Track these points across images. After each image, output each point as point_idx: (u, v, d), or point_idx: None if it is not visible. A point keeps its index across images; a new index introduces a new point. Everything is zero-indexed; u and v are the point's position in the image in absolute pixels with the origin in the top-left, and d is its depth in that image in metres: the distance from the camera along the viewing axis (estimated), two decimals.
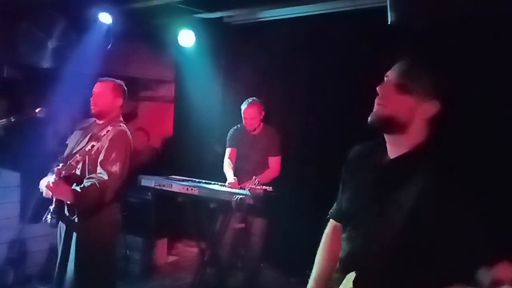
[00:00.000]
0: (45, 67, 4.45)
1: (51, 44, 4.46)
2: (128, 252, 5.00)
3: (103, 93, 3.21)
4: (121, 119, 3.29)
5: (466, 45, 3.62)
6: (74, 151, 3.11)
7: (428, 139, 1.52)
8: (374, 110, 1.53)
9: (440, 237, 1.37)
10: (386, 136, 1.57)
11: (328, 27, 4.65)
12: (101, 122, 3.23)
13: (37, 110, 3.23)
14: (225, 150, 4.52)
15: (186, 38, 5.20)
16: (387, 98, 1.51)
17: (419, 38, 3.61)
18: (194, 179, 4.30)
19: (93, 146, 3.02)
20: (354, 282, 1.51)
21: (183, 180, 4.26)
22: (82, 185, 2.91)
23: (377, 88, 1.54)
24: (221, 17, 5.28)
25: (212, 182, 4.19)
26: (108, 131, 3.08)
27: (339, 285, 1.59)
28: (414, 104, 1.48)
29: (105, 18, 4.66)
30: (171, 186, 4.16)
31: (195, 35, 5.21)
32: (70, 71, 4.42)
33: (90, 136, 3.13)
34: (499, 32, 3.48)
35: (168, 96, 6.22)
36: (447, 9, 2.74)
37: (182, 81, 5.92)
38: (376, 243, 1.49)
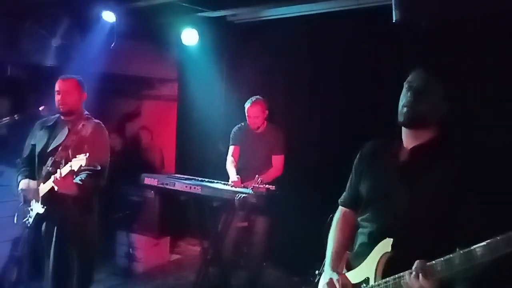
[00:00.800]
0: (48, 65, 4.46)
1: (54, 43, 4.47)
2: (131, 250, 5.00)
3: (70, 91, 3.23)
4: (87, 112, 3.35)
5: (471, 44, 3.61)
6: (51, 149, 3.14)
7: (441, 132, 1.86)
8: (406, 110, 1.82)
9: (464, 201, 1.72)
10: (408, 131, 1.88)
11: (331, 25, 4.64)
12: (68, 118, 3.25)
13: (40, 108, 3.25)
14: (228, 148, 4.52)
15: (190, 36, 5.20)
16: (416, 101, 1.81)
17: (424, 36, 3.61)
18: (197, 178, 4.30)
19: (73, 140, 3.06)
20: (393, 246, 1.77)
21: (186, 179, 4.26)
22: (80, 177, 3.00)
23: (408, 93, 1.84)
24: (224, 16, 5.27)
25: (215, 181, 4.19)
26: (84, 125, 3.16)
27: (363, 258, 1.86)
28: (435, 105, 1.81)
29: (108, 16, 4.67)
30: (174, 185, 4.16)
31: (199, 33, 5.21)
32: (74, 70, 4.42)
33: (68, 132, 3.17)
34: (504, 31, 3.47)
35: (171, 94, 6.22)
36: (453, 7, 2.74)
37: (185, 80, 5.92)
38: (410, 213, 1.78)
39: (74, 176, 2.96)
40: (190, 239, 5.95)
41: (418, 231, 1.77)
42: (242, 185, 4.00)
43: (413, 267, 1.61)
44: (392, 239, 1.78)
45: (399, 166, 1.89)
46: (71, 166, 2.82)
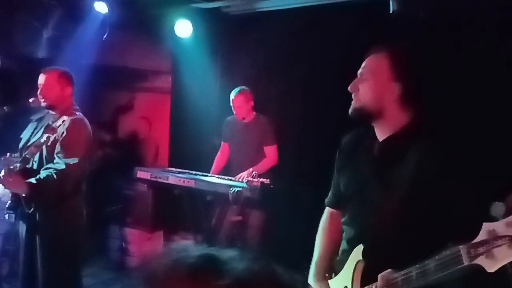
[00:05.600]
0: (40, 57, 4.40)
1: (46, 34, 4.43)
2: (124, 244, 4.97)
3: (50, 85, 3.10)
4: (77, 107, 3.20)
5: (468, 36, 3.60)
6: (29, 143, 3.03)
7: (409, 120, 1.69)
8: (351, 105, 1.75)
9: (438, 199, 1.55)
10: (372, 123, 1.75)
11: (327, 17, 4.60)
12: (54, 112, 3.13)
13: (30, 100, 3.19)
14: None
15: (183, 28, 5.14)
16: (357, 93, 1.74)
17: (421, 28, 3.59)
18: (190, 171, 4.27)
19: (48, 137, 2.90)
20: (363, 253, 1.65)
21: (179, 172, 4.24)
22: (38, 176, 2.84)
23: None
24: (219, 7, 5.21)
25: (209, 175, 4.17)
26: (64, 120, 2.98)
27: (343, 265, 1.74)
28: (377, 91, 1.69)
29: (101, 7, 4.61)
30: (168, 178, 4.14)
31: (192, 25, 5.15)
32: (65, 61, 4.37)
33: (45, 127, 3.03)
34: (500, 23, 3.46)
35: (165, 87, 6.17)
36: None
37: (179, 72, 5.86)
38: (382, 214, 1.64)
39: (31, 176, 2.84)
40: (184, 233, 5.92)
41: (388, 237, 1.62)
42: (236, 178, 3.98)
43: (379, 277, 1.52)
44: (362, 246, 1.67)
45: (371, 161, 1.74)
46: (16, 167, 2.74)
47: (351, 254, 1.71)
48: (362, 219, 1.74)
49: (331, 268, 1.87)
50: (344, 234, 1.83)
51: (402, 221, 1.60)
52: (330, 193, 2.01)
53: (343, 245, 1.83)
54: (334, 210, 1.98)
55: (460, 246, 1.31)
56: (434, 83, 1.86)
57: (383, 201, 1.65)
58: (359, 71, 1.76)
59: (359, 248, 1.67)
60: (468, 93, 3.54)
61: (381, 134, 1.74)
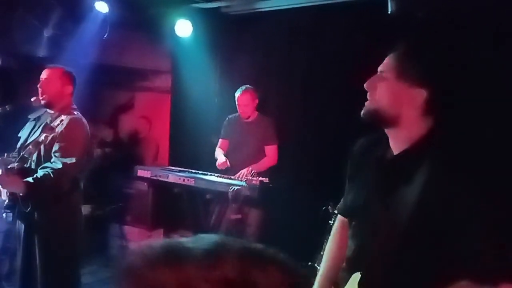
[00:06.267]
0: (40, 55, 4.41)
1: (46, 33, 4.43)
2: (124, 242, 4.99)
3: (51, 81, 3.10)
4: (75, 106, 3.19)
5: (467, 36, 3.60)
6: (27, 143, 3.02)
7: (428, 132, 1.49)
8: (365, 105, 1.55)
9: (447, 231, 1.34)
10: (385, 130, 1.56)
11: (327, 17, 4.62)
12: (52, 111, 3.13)
13: (32, 99, 3.20)
14: None
15: (183, 28, 5.15)
16: (373, 92, 1.53)
17: (420, 28, 3.60)
18: (190, 170, 4.29)
19: (46, 136, 2.89)
20: (359, 284, 1.48)
21: (179, 171, 4.26)
22: (35, 176, 2.84)
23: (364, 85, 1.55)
24: (218, 7, 5.23)
25: (209, 173, 4.18)
26: (62, 120, 2.97)
27: (346, 284, 1.57)
28: (398, 94, 1.48)
29: (101, 7, 4.62)
30: (168, 177, 4.16)
31: (192, 25, 5.16)
32: (66, 60, 4.38)
33: (43, 127, 3.03)
34: (502, 24, 3.46)
35: (165, 86, 6.18)
36: None
37: (178, 72, 5.88)
38: (382, 240, 1.46)
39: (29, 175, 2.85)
40: (184, 231, 5.93)
41: (387, 266, 1.45)
42: (235, 177, 4.00)
43: None
44: (360, 274, 1.49)
45: (380, 178, 1.54)
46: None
47: (349, 280, 1.54)
48: (362, 239, 1.58)
49: (336, 281, 1.76)
50: (347, 249, 1.67)
51: (404, 250, 1.41)
52: (342, 200, 1.83)
53: (345, 261, 1.68)
54: (346, 219, 1.80)
55: None
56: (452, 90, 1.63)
57: (385, 225, 1.47)
58: (380, 68, 1.55)
59: (356, 277, 1.51)
60: (478, 100, 3.53)
61: (394, 145, 1.54)
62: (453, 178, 1.36)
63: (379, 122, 1.54)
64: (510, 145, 3.32)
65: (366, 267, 1.49)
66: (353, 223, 1.64)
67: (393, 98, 1.48)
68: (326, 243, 1.93)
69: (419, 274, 1.39)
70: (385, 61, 1.56)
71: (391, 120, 1.50)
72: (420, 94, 1.46)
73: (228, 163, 4.10)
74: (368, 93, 1.55)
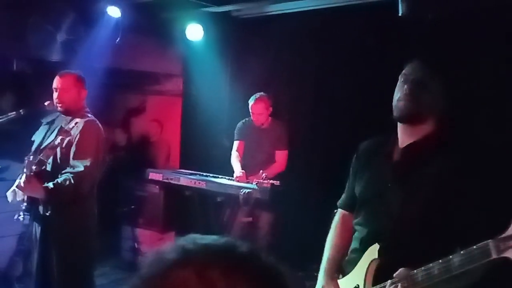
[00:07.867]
0: (54, 60, 4.46)
1: (60, 38, 4.47)
2: (136, 244, 5.02)
3: (68, 89, 3.11)
4: (87, 109, 3.23)
5: (478, 38, 3.59)
6: (43, 146, 3.05)
7: (437, 128, 1.75)
8: (401, 104, 1.73)
9: (457, 203, 1.63)
10: (403, 127, 1.78)
11: (336, 20, 4.62)
12: (67, 116, 3.15)
13: (46, 103, 3.24)
14: (232, 143, 4.52)
15: (194, 32, 5.19)
16: (414, 94, 1.71)
17: (430, 30, 3.59)
18: (201, 173, 4.31)
19: (62, 139, 2.91)
20: (379, 252, 1.71)
21: (191, 174, 4.28)
22: (55, 181, 2.87)
23: (405, 85, 1.73)
24: (229, 11, 5.26)
25: (220, 176, 4.20)
26: (77, 123, 2.99)
27: (354, 265, 1.80)
28: (432, 99, 1.72)
29: (113, 11, 4.66)
30: (179, 180, 4.18)
31: (203, 29, 5.20)
32: (79, 65, 4.43)
33: (58, 130, 3.05)
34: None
35: (176, 90, 6.22)
36: (460, 0, 2.72)
37: (190, 75, 5.92)
38: (402, 216, 1.70)
39: (46, 179, 2.88)
40: (195, 234, 5.95)
41: (406, 237, 1.69)
42: (247, 180, 4.01)
43: (394, 276, 1.57)
44: (379, 245, 1.72)
45: (392, 166, 1.80)
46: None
47: (365, 253, 1.75)
48: (378, 220, 1.78)
49: (340, 268, 1.92)
50: (356, 234, 1.88)
51: (421, 222, 1.67)
52: (343, 196, 2.07)
53: (354, 244, 1.87)
54: (347, 212, 2.03)
55: (489, 241, 1.38)
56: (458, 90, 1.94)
57: (402, 203, 1.72)
58: (413, 77, 1.74)
59: (375, 247, 1.72)
60: (483, 99, 3.53)
61: (405, 139, 1.78)
62: (454, 169, 1.67)
63: (415, 120, 1.74)
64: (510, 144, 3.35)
65: (386, 239, 1.71)
66: (364, 211, 1.86)
67: (429, 103, 1.73)
68: None
69: (434, 239, 1.65)
70: (416, 67, 1.76)
71: (422, 119, 1.74)
72: (446, 100, 1.75)
73: (245, 177, 4.08)
74: (405, 93, 1.72)
